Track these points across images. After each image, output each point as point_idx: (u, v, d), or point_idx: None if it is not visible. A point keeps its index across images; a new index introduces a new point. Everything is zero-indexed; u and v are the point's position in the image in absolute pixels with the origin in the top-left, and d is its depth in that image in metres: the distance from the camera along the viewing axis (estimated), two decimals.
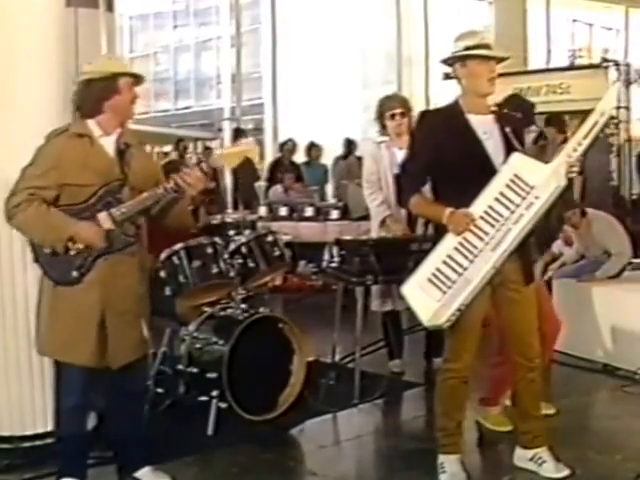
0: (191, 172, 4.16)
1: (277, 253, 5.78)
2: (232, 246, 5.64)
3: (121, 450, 4.54)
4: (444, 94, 18.09)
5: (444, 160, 4.26)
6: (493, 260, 4.18)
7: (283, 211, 10.61)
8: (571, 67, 14.38)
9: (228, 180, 12.41)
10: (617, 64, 12.20)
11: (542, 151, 8.69)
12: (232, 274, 5.56)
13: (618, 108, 12.35)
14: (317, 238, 9.25)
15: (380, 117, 6.49)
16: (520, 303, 4.50)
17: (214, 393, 5.19)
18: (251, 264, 5.66)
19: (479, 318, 4.42)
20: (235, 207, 11.45)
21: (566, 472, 4.56)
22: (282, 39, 19.36)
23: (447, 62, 4.48)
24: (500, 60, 4.44)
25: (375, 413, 5.92)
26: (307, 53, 18.46)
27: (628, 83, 12.80)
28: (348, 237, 6.31)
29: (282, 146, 13.37)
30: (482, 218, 4.19)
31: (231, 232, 6.04)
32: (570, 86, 11.74)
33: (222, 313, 5.61)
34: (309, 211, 10.48)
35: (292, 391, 5.50)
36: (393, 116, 6.42)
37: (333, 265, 6.06)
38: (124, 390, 4.36)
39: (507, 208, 4.19)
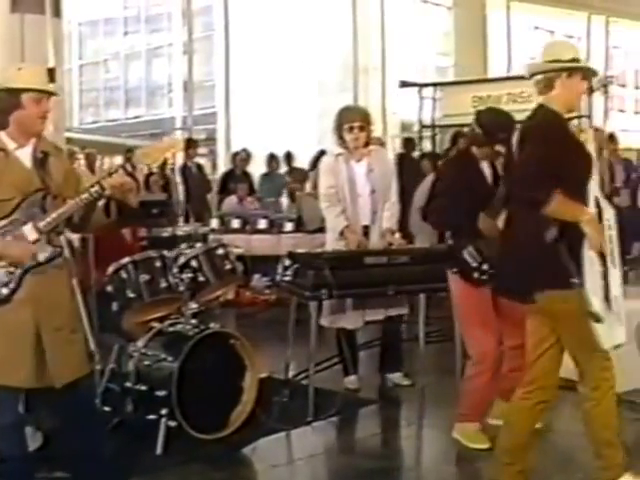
0: (115, 174, 4.03)
1: (228, 267, 5.64)
2: (182, 259, 5.48)
3: (76, 470, 4.35)
4: (400, 102, 18.12)
5: (565, 170, 4.13)
6: (618, 277, 4.20)
7: (236, 223, 10.45)
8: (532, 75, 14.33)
9: (180, 192, 12.24)
10: None
11: None
12: (182, 288, 5.43)
13: (580, 117, 12.38)
14: (271, 251, 9.14)
15: (338, 129, 6.36)
16: None
17: (163, 411, 5.06)
18: (201, 278, 5.51)
19: None
20: (186, 219, 11.28)
21: None
22: (236, 46, 19.21)
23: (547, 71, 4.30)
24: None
25: (329, 431, 5.79)
26: (261, 61, 18.35)
27: (590, 91, 12.80)
28: (301, 250, 6.16)
29: (234, 156, 13.22)
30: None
31: (183, 245, 5.88)
32: (531, 94, 11.64)
33: (171, 329, 5.46)
34: (262, 223, 10.34)
35: (244, 409, 5.37)
36: (352, 129, 6.29)
37: (286, 279, 5.92)
38: (72, 409, 4.17)
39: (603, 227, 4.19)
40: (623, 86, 23.64)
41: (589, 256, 4.06)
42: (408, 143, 13.18)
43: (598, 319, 4.06)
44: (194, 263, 5.50)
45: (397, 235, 6.44)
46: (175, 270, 5.41)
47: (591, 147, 4.37)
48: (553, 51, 4.35)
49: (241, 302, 9.90)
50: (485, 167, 5.39)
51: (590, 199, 4.18)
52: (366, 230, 6.19)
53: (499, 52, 20.16)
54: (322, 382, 6.28)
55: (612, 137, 12.43)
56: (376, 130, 18.33)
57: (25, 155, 4.05)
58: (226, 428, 5.28)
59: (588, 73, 4.40)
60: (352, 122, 6.30)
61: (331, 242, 6.35)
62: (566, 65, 4.25)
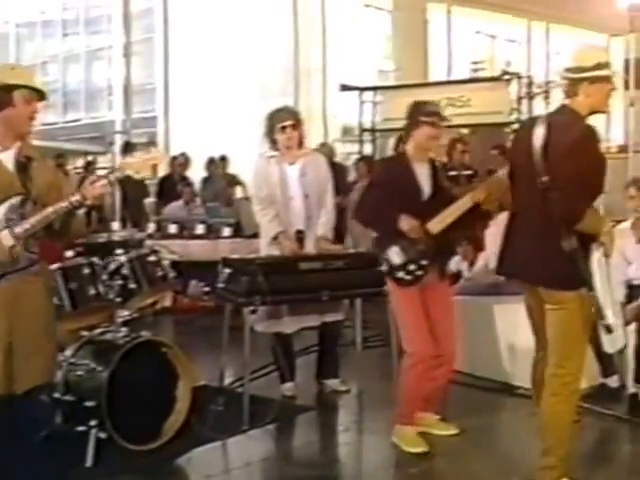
0: (96, 183, 4.04)
1: (160, 273, 5.52)
2: (112, 266, 5.35)
3: None
4: (341, 106, 18.09)
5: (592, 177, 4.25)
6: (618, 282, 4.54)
7: (173, 229, 10.31)
8: (471, 79, 14.40)
9: (116, 196, 12.01)
10: (518, 77, 12.26)
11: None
12: (112, 296, 5.30)
13: (519, 121, 12.44)
14: (209, 256, 9.00)
15: (270, 131, 6.27)
16: None
17: (93, 422, 4.93)
18: (132, 285, 5.37)
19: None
20: (124, 225, 11.08)
21: None
22: (176, 49, 19.04)
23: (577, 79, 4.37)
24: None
25: (265, 439, 5.68)
26: (202, 64, 18.19)
27: (530, 96, 12.90)
28: (235, 256, 6.06)
29: (172, 161, 13.05)
30: None
31: (119, 251, 5.73)
32: (470, 99, 11.72)
33: (101, 337, 5.35)
34: (200, 229, 10.21)
35: (177, 418, 5.27)
36: (284, 128, 6.21)
37: (220, 285, 5.81)
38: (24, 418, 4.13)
39: None
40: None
41: (601, 266, 4.21)
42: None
43: (610, 330, 4.23)
44: (125, 270, 5.37)
45: (332, 245, 6.35)
46: (105, 277, 5.28)
47: None
48: (577, 58, 4.42)
49: (179, 309, 9.80)
50: (421, 167, 5.36)
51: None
52: (300, 235, 6.10)
53: (440, 56, 20.26)
54: (259, 389, 6.24)
55: None
56: (317, 133, 18.35)
57: (7, 158, 4.02)
58: (159, 438, 5.18)
59: (611, 76, 4.41)
60: (284, 121, 6.22)
61: (265, 247, 6.27)
62: (587, 75, 4.30)
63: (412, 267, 5.19)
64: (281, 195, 6.22)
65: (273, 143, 6.28)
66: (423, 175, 5.37)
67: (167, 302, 9.63)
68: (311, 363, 6.66)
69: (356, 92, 14.21)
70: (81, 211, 4.24)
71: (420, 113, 5.31)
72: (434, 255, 5.24)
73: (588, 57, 4.40)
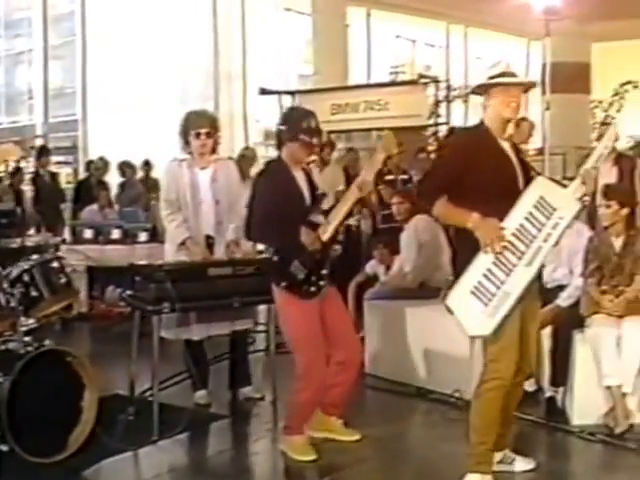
0: None
1: (63, 280, 5.38)
2: (13, 274, 5.19)
3: None
4: (262, 110, 18.01)
5: (475, 179, 4.47)
6: (531, 275, 4.47)
7: (88, 233, 10.15)
8: (389, 83, 14.44)
9: (28, 201, 11.78)
10: (435, 81, 12.33)
11: None
12: (13, 304, 5.12)
13: (437, 125, 12.53)
14: (125, 262, 8.80)
15: (185, 132, 6.16)
16: None
17: None
18: (34, 293, 5.23)
19: (518, 328, 4.57)
20: (39, 230, 10.86)
21: (534, 463, 4.93)
22: (96, 53, 18.74)
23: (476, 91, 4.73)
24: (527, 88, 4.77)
25: (176, 449, 5.56)
26: (123, 68, 17.94)
27: (448, 100, 12.98)
28: (142, 262, 5.95)
29: (89, 165, 12.85)
30: (514, 235, 4.46)
31: (35, 256, 5.58)
32: (389, 102, 11.72)
33: (2, 347, 5.17)
34: (116, 233, 10.06)
35: (84, 429, 5.13)
36: (198, 135, 6.11)
37: (128, 292, 5.69)
38: None
39: (535, 227, 4.50)
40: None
41: (480, 256, 4.41)
42: None
43: (450, 311, 4.43)
44: (26, 277, 5.22)
45: (243, 250, 6.26)
46: (5, 285, 5.12)
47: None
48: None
49: (95, 315, 9.64)
50: (298, 173, 5.33)
51: (529, 198, 4.51)
52: (210, 241, 6.01)
53: (360, 60, 20.29)
54: (172, 398, 6.17)
55: None
56: (238, 137, 18.23)
57: None
58: (65, 450, 5.03)
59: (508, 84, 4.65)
60: (200, 128, 6.12)
61: (171, 253, 6.16)
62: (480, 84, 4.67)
63: (314, 278, 5.15)
64: (191, 199, 6.12)
65: (186, 144, 6.18)
66: (301, 181, 5.33)
67: (83, 308, 9.49)
68: (226, 370, 6.57)
69: (275, 96, 14.14)
70: None
71: (301, 129, 5.21)
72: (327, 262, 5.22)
73: (492, 69, 4.79)
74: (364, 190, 5.25)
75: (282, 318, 5.31)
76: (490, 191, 4.47)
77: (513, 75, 4.70)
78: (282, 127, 5.32)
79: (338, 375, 5.32)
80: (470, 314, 4.41)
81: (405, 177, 10.15)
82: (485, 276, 4.41)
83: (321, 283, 5.17)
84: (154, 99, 17.79)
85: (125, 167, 12.77)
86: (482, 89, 4.67)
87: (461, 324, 4.45)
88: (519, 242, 4.47)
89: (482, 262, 4.43)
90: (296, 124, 5.24)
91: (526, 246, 4.47)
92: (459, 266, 4.55)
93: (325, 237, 5.18)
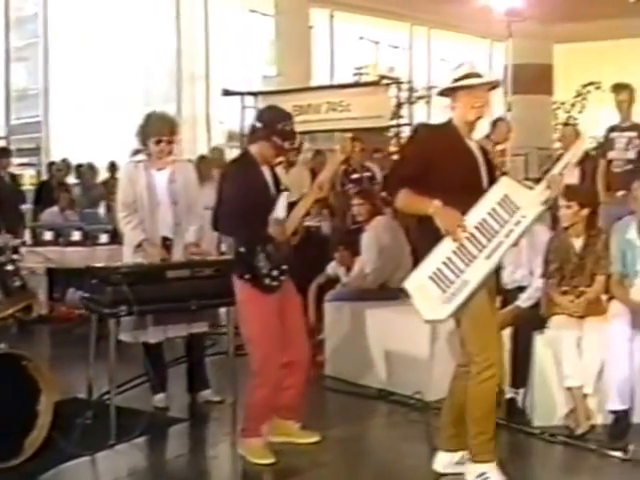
0: None
1: (18, 283, 5.28)
2: None
3: None
4: (225, 111, 17.94)
5: (439, 175, 4.53)
6: (490, 267, 4.58)
7: (49, 235, 10.04)
8: (352, 84, 14.42)
9: None
10: (397, 82, 12.33)
11: None
12: None
13: (399, 126, 12.53)
14: (86, 264, 8.74)
15: (144, 137, 6.10)
16: None
17: None
18: None
19: (493, 315, 4.78)
20: None
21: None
22: (59, 54, 18.59)
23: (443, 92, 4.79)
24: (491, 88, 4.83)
25: (134, 453, 5.49)
26: (85, 69, 17.81)
27: (411, 101, 13.00)
28: (99, 264, 5.88)
29: (50, 166, 12.73)
30: (476, 228, 4.55)
31: None
32: (351, 104, 11.70)
33: None
34: (76, 235, 9.95)
35: (39, 434, 5.05)
36: (159, 142, 6.05)
37: (85, 295, 5.62)
38: None
39: (498, 223, 4.60)
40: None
41: (442, 243, 4.50)
42: None
43: (407, 295, 4.51)
44: None
45: (202, 252, 6.20)
46: None
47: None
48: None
49: (56, 317, 9.54)
50: (265, 170, 5.30)
51: (494, 195, 4.63)
52: (167, 243, 5.95)
53: (324, 62, 20.26)
54: (131, 401, 6.08)
55: None
56: (201, 139, 18.15)
57: None
58: (20, 455, 4.96)
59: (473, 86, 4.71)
60: (160, 135, 6.06)
61: (128, 256, 6.10)
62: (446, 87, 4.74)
63: (275, 273, 5.12)
64: (148, 201, 6.07)
65: (144, 145, 6.12)
66: (268, 176, 5.31)
67: (43, 310, 9.39)
68: (183, 373, 6.51)
69: (238, 97, 14.08)
70: None
71: (275, 130, 5.19)
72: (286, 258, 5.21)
73: (456, 71, 4.71)
74: (324, 189, 5.26)
75: (242, 312, 5.27)
76: (453, 188, 4.52)
77: (478, 76, 4.72)
78: (258, 124, 5.30)
79: (288, 377, 5.30)
80: (427, 299, 4.49)
81: (369, 174, 10.17)
82: (445, 264, 4.49)
83: (282, 278, 5.16)
84: (117, 100, 17.69)
85: (81, 169, 12.68)
86: (448, 92, 4.73)
87: (417, 308, 4.51)
88: (481, 235, 4.55)
89: (443, 250, 4.51)
90: (272, 124, 5.22)
91: (487, 240, 4.56)
92: (420, 254, 4.62)
93: (289, 231, 5.18)
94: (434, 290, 4.47)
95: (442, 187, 4.51)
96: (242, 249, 5.15)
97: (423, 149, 4.68)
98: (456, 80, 4.68)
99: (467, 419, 4.72)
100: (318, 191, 5.27)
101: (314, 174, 9.61)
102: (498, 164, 8.80)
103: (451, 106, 4.73)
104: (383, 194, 4.71)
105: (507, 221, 4.62)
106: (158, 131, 6.07)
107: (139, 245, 6.00)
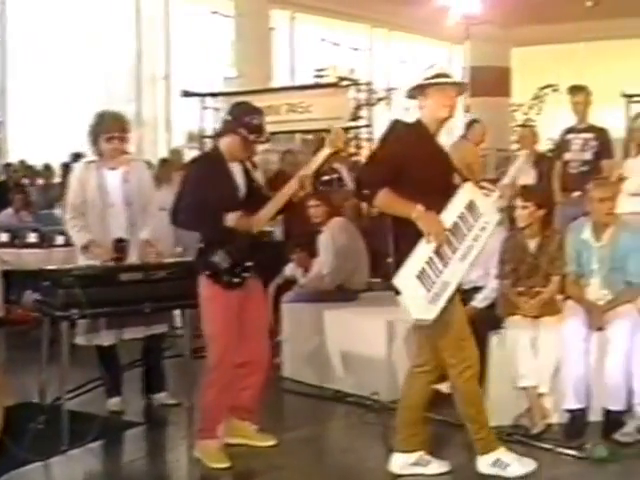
0: None
1: None
2: None
3: None
4: (186, 112, 17.88)
5: (413, 172, 4.58)
6: (465, 268, 4.71)
7: (4, 237, 9.87)
8: (311, 86, 14.40)
9: None
10: (356, 83, 12.33)
11: None
12: None
13: (357, 127, 12.51)
14: (42, 266, 8.63)
15: (95, 135, 6.03)
16: None
17: None
18: None
19: (463, 314, 4.91)
20: None
21: (533, 465, 4.93)
22: (19, 54, 18.40)
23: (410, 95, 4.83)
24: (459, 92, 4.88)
25: (88, 459, 5.42)
26: (45, 70, 17.65)
27: (370, 103, 12.99)
28: (51, 267, 5.80)
29: (6, 168, 12.59)
30: (449, 231, 4.65)
31: None
32: (311, 105, 11.70)
33: None
34: (32, 237, 9.80)
35: None
36: (111, 139, 5.99)
37: (38, 298, 5.55)
38: None
39: (466, 227, 4.73)
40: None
41: (421, 244, 4.55)
42: None
43: (397, 292, 4.51)
44: None
45: (158, 250, 6.13)
46: None
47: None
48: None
49: (12, 320, 9.41)
50: (235, 166, 5.25)
51: (459, 200, 4.71)
52: (122, 244, 5.88)
53: (285, 63, 20.23)
54: (85, 405, 6.04)
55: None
56: (161, 140, 18.05)
57: None
58: None
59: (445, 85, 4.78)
60: (111, 132, 6.00)
61: (82, 258, 6.02)
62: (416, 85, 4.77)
63: (238, 269, 5.09)
64: (100, 202, 6.00)
65: (95, 146, 6.05)
66: (237, 174, 5.26)
67: (0, 312, 9.26)
68: (138, 376, 6.46)
69: (198, 98, 14.02)
70: None
71: (242, 123, 5.17)
72: (254, 257, 5.16)
73: (424, 71, 4.78)
74: (305, 185, 5.21)
75: (204, 309, 5.23)
76: (427, 185, 4.59)
77: (448, 76, 4.79)
78: (227, 117, 5.30)
79: (247, 377, 5.29)
80: (414, 298, 4.53)
81: (337, 176, 10.20)
82: (427, 263, 4.57)
83: (245, 275, 5.12)
84: (77, 101, 17.55)
85: (45, 170, 12.57)
86: (418, 90, 4.76)
87: (406, 306, 4.53)
88: (454, 238, 4.67)
89: (424, 250, 4.58)
90: (239, 117, 5.20)
91: (459, 242, 4.68)
92: (401, 252, 4.61)
93: (256, 228, 5.13)
94: (420, 289, 4.52)
95: (416, 184, 4.56)
96: (201, 244, 5.13)
97: (401, 146, 4.68)
98: (427, 79, 4.72)
99: (464, 420, 4.90)
100: (297, 187, 5.21)
101: (285, 175, 9.55)
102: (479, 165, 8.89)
103: (420, 105, 4.77)
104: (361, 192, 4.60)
105: (473, 226, 4.75)
106: (109, 128, 6.01)
107: (85, 247, 5.93)
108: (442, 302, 4.57)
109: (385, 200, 4.60)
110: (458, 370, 4.77)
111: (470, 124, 8.84)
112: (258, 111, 5.30)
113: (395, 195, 4.57)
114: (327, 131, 5.45)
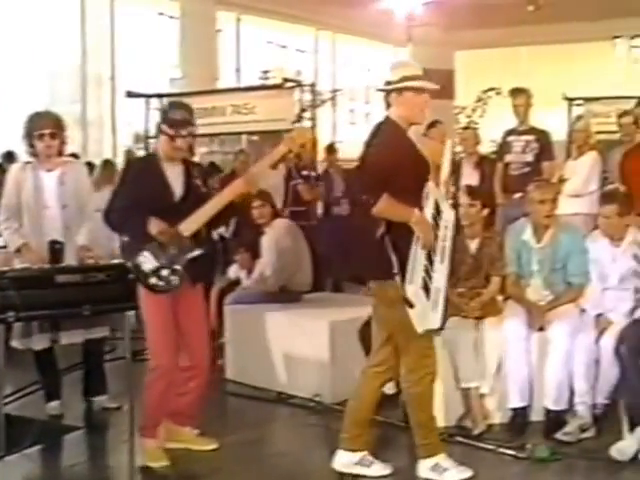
0: None
1: None
2: None
3: None
4: (133, 113, 17.75)
5: (399, 175, 4.56)
6: (447, 270, 4.75)
7: None
8: (256, 87, 14.32)
9: None
10: (300, 85, 12.32)
11: None
12: None
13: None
14: None
15: (28, 136, 5.93)
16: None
17: None
18: None
19: None
20: None
21: (470, 472, 4.88)
22: None
23: (385, 90, 4.78)
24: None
25: (26, 464, 5.31)
26: None
27: (314, 104, 12.95)
28: None
29: None
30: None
31: None
32: (255, 106, 11.63)
33: None
34: None
35: None
36: (42, 136, 5.88)
37: None
38: None
39: (438, 227, 4.76)
40: (353, 100, 24.27)
41: (416, 252, 4.54)
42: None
43: (410, 305, 4.47)
44: None
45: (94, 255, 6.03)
46: None
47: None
48: (389, 71, 4.80)
49: None
50: (172, 168, 5.19)
51: (429, 201, 4.72)
52: (57, 246, 5.79)
53: (230, 65, 20.15)
54: (23, 409, 5.96)
55: (331, 147, 12.70)
56: (107, 141, 17.88)
57: None
58: None
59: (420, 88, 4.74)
60: (42, 129, 5.90)
61: (17, 261, 5.91)
62: (393, 87, 4.72)
63: (165, 272, 5.01)
64: (34, 204, 5.91)
65: (31, 147, 5.95)
66: (174, 176, 5.19)
67: None
68: (78, 380, 6.37)
69: (144, 99, 13.90)
70: None
71: (165, 120, 5.13)
72: (187, 259, 5.08)
73: (396, 71, 4.75)
74: (251, 184, 5.18)
75: (142, 310, 5.18)
76: (410, 187, 4.64)
77: (421, 78, 4.75)
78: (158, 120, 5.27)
79: (187, 382, 5.26)
80: (422, 308, 4.53)
81: (317, 174, 10.29)
82: (424, 271, 4.59)
83: (172, 279, 5.03)
84: (21, 101, 17.33)
85: None
86: (397, 90, 4.72)
87: (416, 318, 4.53)
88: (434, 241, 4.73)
89: (420, 257, 4.59)
90: (163, 114, 5.20)
91: (436, 245, 4.73)
92: (400, 258, 4.55)
93: (188, 231, 5.05)
94: (423, 298, 4.53)
95: (402, 189, 4.57)
96: (125, 246, 5.11)
97: (392, 151, 4.66)
98: (406, 78, 4.69)
99: (412, 425, 4.91)
100: (244, 186, 5.17)
101: (236, 175, 9.50)
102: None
103: (392, 102, 4.74)
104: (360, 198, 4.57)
105: (439, 225, 4.80)
106: (41, 125, 5.92)
107: (18, 250, 5.86)
108: (440, 309, 4.60)
109: (386, 206, 4.56)
110: (419, 375, 4.79)
111: (432, 125, 8.86)
112: (181, 106, 5.27)
113: (395, 201, 4.56)
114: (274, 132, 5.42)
